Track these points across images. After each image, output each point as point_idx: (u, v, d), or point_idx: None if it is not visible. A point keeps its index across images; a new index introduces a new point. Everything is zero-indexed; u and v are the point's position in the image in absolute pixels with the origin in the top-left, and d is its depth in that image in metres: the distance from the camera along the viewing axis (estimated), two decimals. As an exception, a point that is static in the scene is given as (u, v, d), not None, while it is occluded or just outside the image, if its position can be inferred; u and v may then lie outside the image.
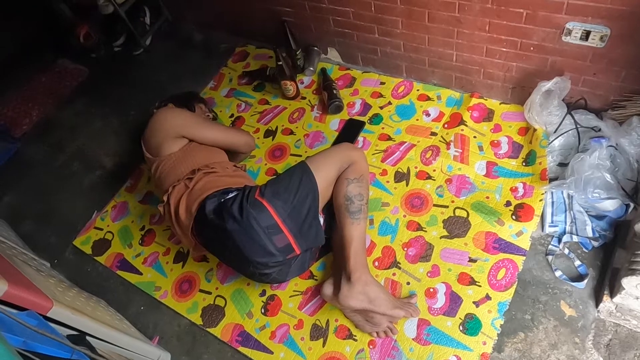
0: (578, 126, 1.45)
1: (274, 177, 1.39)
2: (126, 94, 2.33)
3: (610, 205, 1.31)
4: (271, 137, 1.90)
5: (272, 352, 1.38)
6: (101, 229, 1.83)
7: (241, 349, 1.41)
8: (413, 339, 1.30)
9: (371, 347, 1.32)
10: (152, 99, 2.24)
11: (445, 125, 1.70)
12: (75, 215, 1.91)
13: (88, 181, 2.04)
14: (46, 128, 2.34)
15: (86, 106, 2.38)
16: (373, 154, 1.71)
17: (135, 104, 2.27)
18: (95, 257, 1.76)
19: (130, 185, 1.93)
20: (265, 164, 1.82)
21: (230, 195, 1.32)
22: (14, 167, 2.21)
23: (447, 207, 1.51)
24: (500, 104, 1.70)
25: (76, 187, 2.03)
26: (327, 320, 1.39)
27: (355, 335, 1.35)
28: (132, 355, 1.29)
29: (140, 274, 1.67)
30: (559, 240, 1.36)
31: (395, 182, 1.61)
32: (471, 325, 1.28)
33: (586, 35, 1.31)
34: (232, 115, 2.04)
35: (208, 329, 1.47)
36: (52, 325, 1.00)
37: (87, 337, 1.08)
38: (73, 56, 2.63)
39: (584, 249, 1.35)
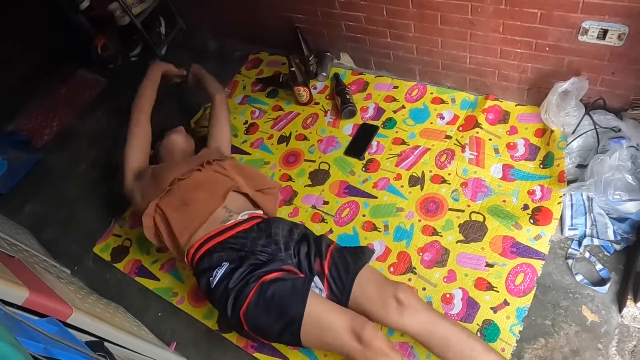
0: (597, 127, 1.42)
1: (273, 291, 1.15)
2: (143, 103, 2.37)
3: (633, 207, 1.28)
4: (285, 143, 1.90)
5: (287, 358, 1.38)
6: (119, 236, 1.86)
7: (257, 354, 1.41)
8: (430, 345, 1.28)
9: (387, 353, 1.30)
10: (168, 107, 2.28)
11: (460, 128, 1.68)
12: (94, 223, 1.95)
13: (106, 189, 2.08)
14: (66, 138, 2.40)
15: (105, 116, 2.43)
16: (387, 159, 1.70)
17: (152, 113, 2.30)
18: (114, 264, 1.79)
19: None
20: (280, 170, 1.82)
21: (218, 275, 1.23)
22: (36, 176, 2.26)
23: (463, 211, 1.49)
24: (516, 105, 1.67)
25: (95, 196, 2.07)
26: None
27: (371, 342, 1.33)
28: (150, 361, 1.31)
29: (158, 280, 1.69)
30: (580, 244, 1.33)
31: (410, 186, 1.60)
32: (489, 332, 1.26)
33: (603, 33, 1.28)
34: (246, 122, 2.05)
35: (224, 335, 1.48)
36: (72, 331, 1.01)
37: (106, 344, 1.09)
38: (92, 67, 2.68)
39: (606, 253, 1.31)
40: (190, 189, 1.44)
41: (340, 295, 1.24)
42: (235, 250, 1.29)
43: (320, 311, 1.12)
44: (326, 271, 1.26)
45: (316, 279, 1.24)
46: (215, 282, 1.23)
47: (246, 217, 1.39)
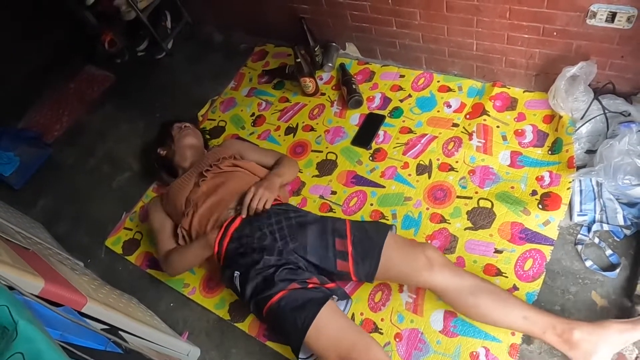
0: (606, 111, 1.40)
1: (278, 321, 1.23)
2: (151, 97, 2.39)
3: (642, 192, 1.27)
4: (292, 134, 1.91)
5: (298, 346, 1.40)
6: (130, 229, 1.89)
7: (268, 343, 1.43)
8: (440, 331, 1.29)
9: (397, 340, 1.31)
10: (175, 101, 2.30)
11: (467, 116, 1.68)
12: (106, 216, 1.97)
13: (117, 183, 2.10)
14: (76, 133, 2.43)
15: (113, 110, 2.45)
16: (394, 148, 1.70)
17: (159, 106, 2.32)
18: (125, 257, 1.82)
19: (157, 187, 1.98)
20: (287, 161, 1.83)
21: (238, 285, 1.33)
22: (48, 171, 2.30)
23: (470, 198, 1.49)
24: (523, 92, 1.66)
25: (106, 189, 2.10)
26: (352, 315, 1.40)
27: (381, 329, 1.35)
28: (163, 350, 1.33)
29: (169, 271, 1.71)
30: (589, 229, 1.33)
31: (417, 175, 1.60)
32: (499, 317, 1.26)
33: (612, 17, 1.27)
34: (253, 114, 2.06)
35: (236, 324, 1.50)
36: (87, 320, 1.04)
37: (120, 332, 1.11)
38: (99, 62, 2.71)
39: (615, 238, 1.31)
40: (197, 209, 1.51)
41: (369, 265, 1.27)
42: (239, 254, 1.36)
43: (314, 343, 1.17)
44: (349, 248, 1.29)
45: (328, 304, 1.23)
46: (240, 289, 1.33)
47: (230, 218, 1.43)
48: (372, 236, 1.30)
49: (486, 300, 1.16)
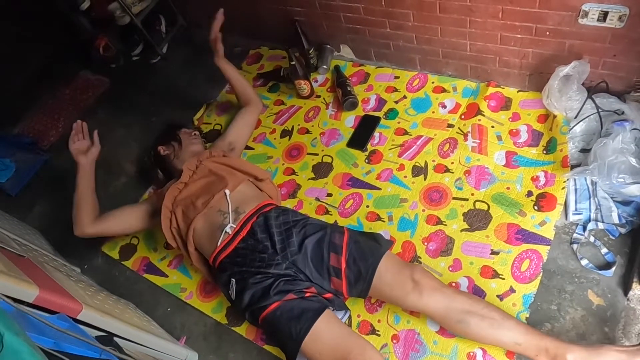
0: (600, 110, 1.41)
1: (274, 329, 1.24)
2: (146, 102, 2.39)
3: (637, 190, 1.27)
4: (287, 137, 1.91)
5: (296, 350, 1.39)
6: (127, 235, 1.88)
7: (266, 346, 1.43)
8: (437, 332, 1.29)
9: (394, 341, 1.31)
10: (171, 105, 2.30)
11: (462, 117, 1.68)
12: (102, 221, 1.97)
13: (113, 188, 2.10)
14: (72, 138, 2.42)
15: (109, 115, 2.45)
16: (390, 149, 1.70)
17: (155, 111, 2.32)
18: (122, 262, 1.81)
19: (153, 191, 1.98)
20: (283, 164, 1.83)
21: (234, 292, 1.34)
22: (44, 177, 2.29)
23: (466, 199, 1.49)
24: (517, 91, 1.66)
25: (102, 195, 2.07)
26: (350, 317, 1.39)
27: (378, 330, 1.35)
28: (160, 355, 1.32)
29: (166, 276, 1.71)
30: (584, 228, 1.33)
31: (413, 176, 1.60)
32: (495, 318, 1.26)
33: (604, 16, 1.27)
34: (248, 117, 2.06)
35: (233, 328, 1.50)
36: (82, 327, 1.03)
37: (116, 338, 1.11)
38: (94, 67, 2.70)
39: (611, 236, 1.31)
40: (187, 207, 1.50)
41: (361, 287, 1.27)
42: (237, 265, 1.36)
43: (310, 352, 1.18)
44: (343, 265, 1.28)
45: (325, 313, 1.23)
46: (234, 297, 1.34)
47: (238, 226, 1.40)
48: (367, 257, 1.28)
49: (475, 327, 1.15)
